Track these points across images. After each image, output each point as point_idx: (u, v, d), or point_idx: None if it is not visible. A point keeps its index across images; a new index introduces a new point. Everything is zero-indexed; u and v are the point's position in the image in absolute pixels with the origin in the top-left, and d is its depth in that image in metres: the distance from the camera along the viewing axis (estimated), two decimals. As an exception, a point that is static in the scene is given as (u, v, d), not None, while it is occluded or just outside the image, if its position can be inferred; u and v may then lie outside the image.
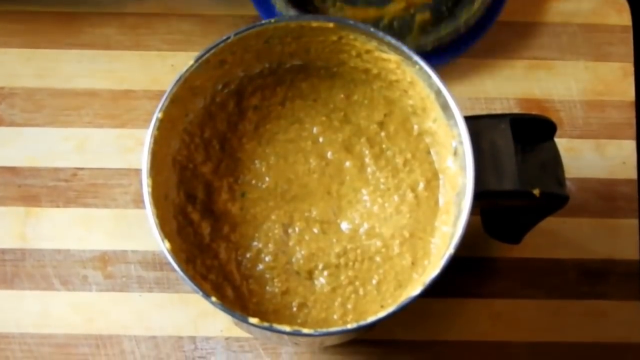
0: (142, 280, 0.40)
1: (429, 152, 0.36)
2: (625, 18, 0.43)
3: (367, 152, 0.36)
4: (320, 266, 0.34)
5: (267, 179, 0.35)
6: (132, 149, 0.40)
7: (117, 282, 0.39)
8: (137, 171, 0.40)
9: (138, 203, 0.40)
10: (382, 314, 0.29)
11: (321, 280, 0.34)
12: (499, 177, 0.31)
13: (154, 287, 0.39)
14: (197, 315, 0.39)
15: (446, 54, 0.42)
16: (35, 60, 0.41)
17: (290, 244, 0.34)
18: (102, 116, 0.41)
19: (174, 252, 0.30)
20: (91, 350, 0.39)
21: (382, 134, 0.36)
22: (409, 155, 0.36)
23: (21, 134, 0.41)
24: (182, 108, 0.34)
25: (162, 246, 0.29)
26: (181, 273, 0.29)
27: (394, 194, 0.35)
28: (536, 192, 0.30)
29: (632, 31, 0.43)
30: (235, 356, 0.39)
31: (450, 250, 0.29)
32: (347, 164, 0.36)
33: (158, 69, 0.41)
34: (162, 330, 0.39)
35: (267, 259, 0.34)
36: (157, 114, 0.31)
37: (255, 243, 0.34)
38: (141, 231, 0.40)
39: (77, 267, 0.39)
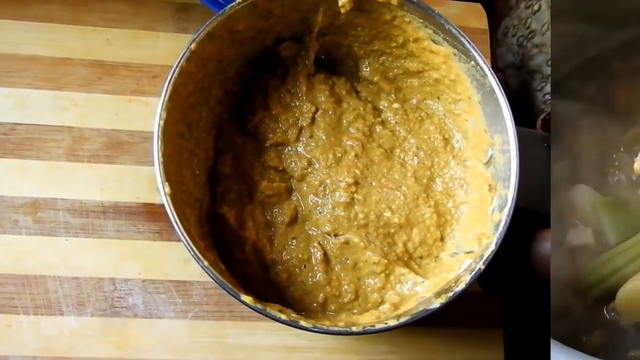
0: (69, 225, 0.43)
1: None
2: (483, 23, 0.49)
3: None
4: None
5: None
6: (67, 108, 0.44)
7: (46, 227, 0.42)
8: (70, 129, 0.44)
9: (69, 157, 0.43)
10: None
11: None
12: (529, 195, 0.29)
13: (79, 232, 0.43)
14: (117, 258, 0.43)
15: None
16: (-16, 27, 0.44)
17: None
18: (41, 79, 0.44)
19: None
20: (16, 289, 0.41)
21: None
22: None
23: (-36, 91, 0.43)
24: (217, 49, 0.33)
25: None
26: None
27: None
28: None
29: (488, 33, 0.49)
30: (150, 297, 0.42)
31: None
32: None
33: (94, 41, 0.45)
34: (84, 272, 0.42)
35: None
36: (189, 45, 0.31)
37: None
38: (71, 181, 0.43)
39: (9, 212, 0.42)
